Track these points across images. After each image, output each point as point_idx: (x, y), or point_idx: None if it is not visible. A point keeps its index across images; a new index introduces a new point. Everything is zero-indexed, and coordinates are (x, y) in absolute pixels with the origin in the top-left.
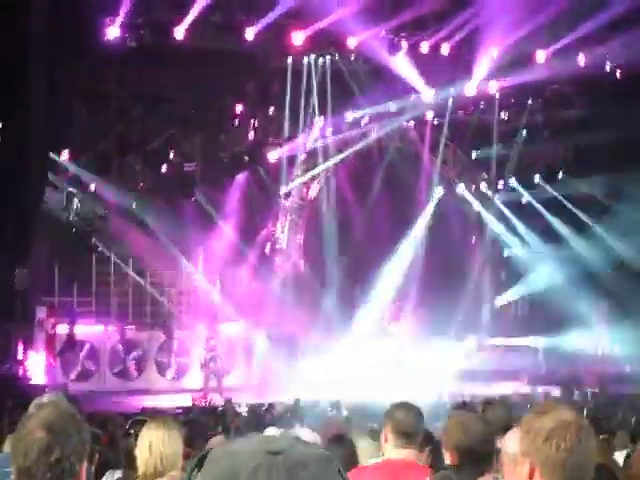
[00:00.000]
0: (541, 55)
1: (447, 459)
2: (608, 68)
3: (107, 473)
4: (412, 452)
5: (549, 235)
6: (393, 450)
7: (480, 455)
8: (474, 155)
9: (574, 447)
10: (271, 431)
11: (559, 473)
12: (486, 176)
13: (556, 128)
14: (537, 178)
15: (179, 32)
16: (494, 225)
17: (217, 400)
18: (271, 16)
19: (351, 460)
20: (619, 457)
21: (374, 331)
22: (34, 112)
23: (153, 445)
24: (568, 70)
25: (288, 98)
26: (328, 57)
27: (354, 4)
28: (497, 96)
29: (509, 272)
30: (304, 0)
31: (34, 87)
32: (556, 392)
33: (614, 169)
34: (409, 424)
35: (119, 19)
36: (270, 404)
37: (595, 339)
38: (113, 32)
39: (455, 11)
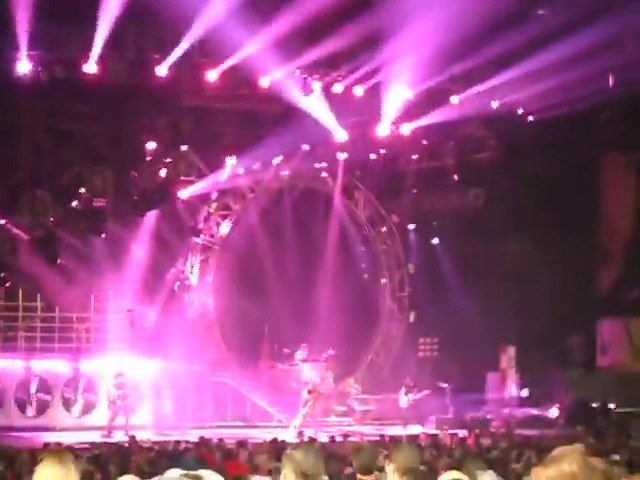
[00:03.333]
0: (454, 99)
1: None
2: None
3: None
4: None
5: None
6: None
7: None
8: (385, 196)
9: None
10: (172, 473)
11: None
12: (396, 219)
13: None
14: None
15: (91, 67)
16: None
17: (122, 437)
18: (181, 51)
19: None
20: None
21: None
22: None
23: None
24: (481, 113)
25: (200, 136)
26: (241, 97)
27: (266, 39)
28: (409, 139)
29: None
30: (214, 33)
31: None
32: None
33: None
34: (308, 465)
35: (27, 53)
36: (176, 441)
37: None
38: (24, 67)
39: (369, 48)
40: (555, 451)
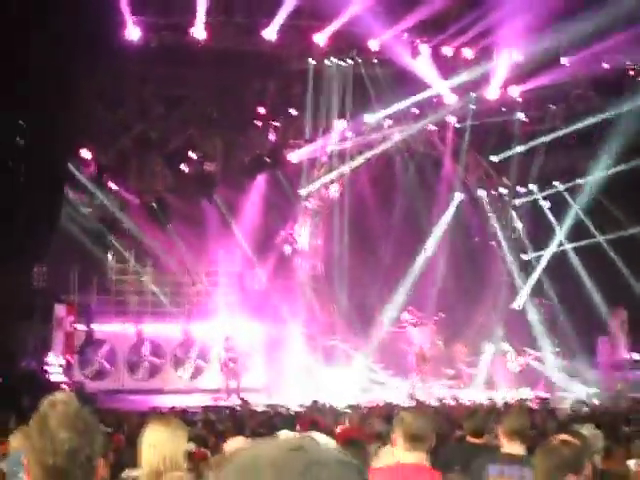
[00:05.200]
0: (564, 60)
1: None
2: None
3: (124, 472)
4: (422, 456)
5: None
6: (403, 453)
7: None
8: (495, 159)
9: None
10: (285, 433)
11: None
12: (507, 181)
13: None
14: (558, 185)
15: (199, 33)
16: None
17: (235, 400)
18: (290, 16)
19: (363, 463)
20: (633, 466)
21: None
22: (54, 109)
23: (155, 445)
24: (591, 74)
25: (309, 100)
26: (350, 60)
27: (372, 2)
28: (519, 100)
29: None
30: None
31: (51, 86)
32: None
33: None
34: (418, 428)
35: (139, 19)
36: (286, 407)
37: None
38: (134, 33)
39: (477, 10)
40: None
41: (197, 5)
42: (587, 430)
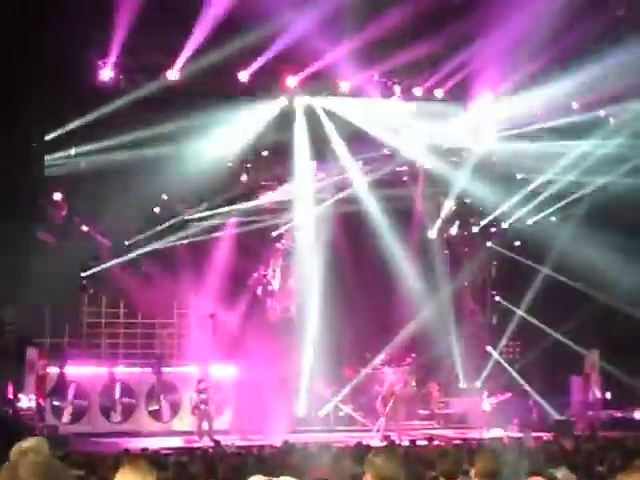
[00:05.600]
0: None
1: None
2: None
3: None
4: None
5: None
6: None
7: None
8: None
9: None
10: (257, 479)
11: None
12: (478, 221)
13: None
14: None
15: (172, 74)
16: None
17: (207, 442)
18: (264, 59)
19: None
20: None
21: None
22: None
23: None
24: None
25: (282, 141)
26: (321, 99)
27: (346, 47)
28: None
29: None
30: (297, 43)
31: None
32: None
33: None
34: (389, 471)
35: (111, 60)
36: (260, 446)
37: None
38: (106, 74)
39: (449, 55)
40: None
41: (174, 47)
42: (561, 472)
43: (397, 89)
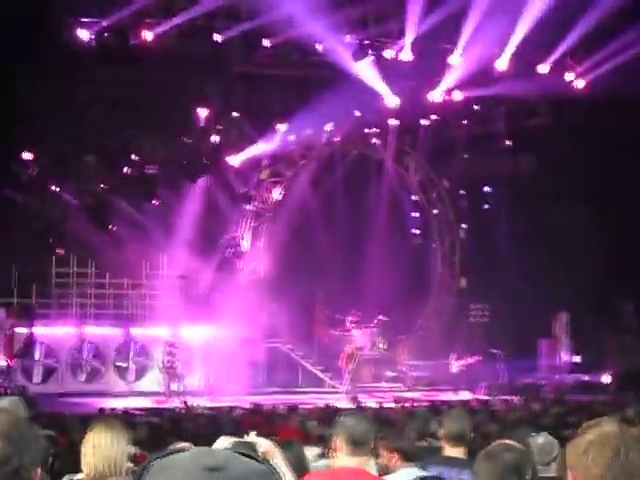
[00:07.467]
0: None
1: None
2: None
3: (65, 477)
4: (363, 460)
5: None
6: (344, 458)
7: None
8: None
9: (611, 461)
10: (223, 440)
11: None
12: (447, 184)
13: (518, 138)
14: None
15: (144, 34)
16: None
17: (177, 403)
18: (240, 26)
19: (300, 465)
20: None
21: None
22: None
23: (97, 448)
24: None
25: (252, 103)
26: (293, 63)
27: (320, 13)
28: (461, 105)
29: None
30: (273, 14)
31: None
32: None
33: None
34: (360, 432)
35: (82, 20)
36: (229, 407)
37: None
38: (81, 34)
39: (421, 12)
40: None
41: (142, 7)
42: (542, 438)
43: (369, 51)
